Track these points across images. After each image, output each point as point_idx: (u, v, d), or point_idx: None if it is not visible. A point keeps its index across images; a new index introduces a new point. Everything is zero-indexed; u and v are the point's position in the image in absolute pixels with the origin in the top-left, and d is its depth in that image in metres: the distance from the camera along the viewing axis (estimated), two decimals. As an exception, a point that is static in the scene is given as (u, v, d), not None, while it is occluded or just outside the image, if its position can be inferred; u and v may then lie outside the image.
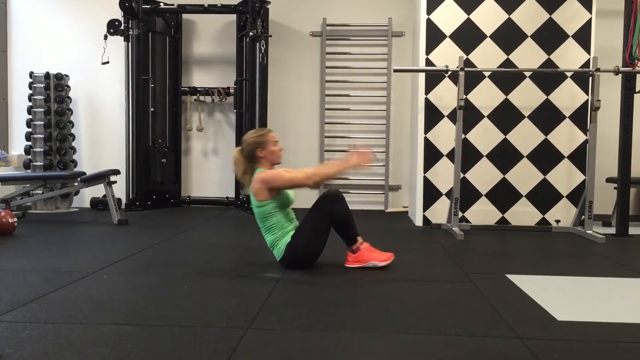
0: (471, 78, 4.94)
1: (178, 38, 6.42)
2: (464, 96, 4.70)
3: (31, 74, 5.93)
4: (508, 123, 5.02)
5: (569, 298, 2.74)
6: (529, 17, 4.99)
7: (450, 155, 4.99)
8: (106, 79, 6.27)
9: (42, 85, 5.89)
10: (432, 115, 5.07)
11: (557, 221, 4.97)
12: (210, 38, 6.53)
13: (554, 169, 5.02)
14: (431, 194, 5.11)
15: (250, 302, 2.52)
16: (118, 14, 5.93)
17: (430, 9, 5.05)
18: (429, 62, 5.05)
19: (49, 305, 2.44)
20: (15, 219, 4.38)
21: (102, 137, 6.39)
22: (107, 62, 5.86)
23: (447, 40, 5.04)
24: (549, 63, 4.97)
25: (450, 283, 2.99)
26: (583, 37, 4.96)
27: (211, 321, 2.25)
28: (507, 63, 4.99)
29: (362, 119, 6.42)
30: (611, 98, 5.11)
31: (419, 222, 5.15)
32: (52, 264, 3.32)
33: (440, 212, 5.07)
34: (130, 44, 5.97)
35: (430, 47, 5.06)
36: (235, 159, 3.29)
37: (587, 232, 4.54)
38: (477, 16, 5.02)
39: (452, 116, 4.95)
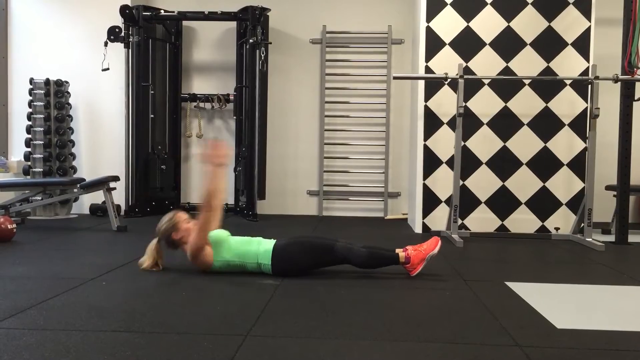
0: (470, 85, 4.95)
1: (178, 45, 6.43)
2: (464, 103, 4.70)
3: (31, 80, 5.94)
4: (507, 130, 5.02)
5: (569, 306, 2.73)
6: (528, 25, 5.01)
7: (450, 163, 4.99)
8: (106, 86, 6.27)
9: (42, 91, 5.90)
10: (432, 123, 5.08)
11: (557, 229, 4.97)
12: (210, 45, 6.55)
13: (553, 176, 5.02)
14: (430, 201, 5.11)
15: (249, 309, 2.51)
16: (118, 21, 5.94)
17: (430, 16, 5.06)
18: (428, 70, 5.06)
19: (47, 312, 2.43)
20: (14, 225, 4.37)
21: (102, 143, 6.39)
22: (107, 69, 5.87)
23: (447, 48, 5.05)
24: (548, 71, 4.99)
25: (449, 290, 2.98)
26: (582, 45, 4.97)
27: (210, 328, 2.25)
28: (507, 71, 5.00)
29: (362, 126, 6.43)
30: (610, 106, 5.12)
31: (418, 229, 5.14)
32: (51, 270, 3.31)
33: (439, 219, 5.06)
34: (130, 50, 5.98)
35: (429, 55, 5.07)
36: (151, 250, 3.29)
37: (587, 239, 4.53)
38: (476, 24, 5.04)
39: (452, 123, 4.96)
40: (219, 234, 3.23)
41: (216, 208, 3.10)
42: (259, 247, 3.19)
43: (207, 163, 3.09)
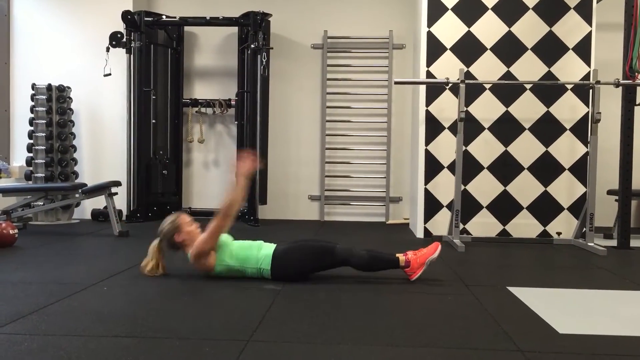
0: (472, 90, 4.96)
1: (180, 50, 6.45)
2: (465, 108, 4.71)
3: (33, 86, 5.95)
4: (509, 135, 5.02)
5: (571, 311, 2.73)
6: (530, 29, 5.01)
7: (451, 167, 4.99)
8: (108, 91, 6.29)
9: (44, 96, 5.91)
10: (433, 127, 5.08)
11: (559, 233, 4.96)
12: (211, 50, 6.57)
13: (554, 181, 5.02)
14: (432, 205, 5.11)
15: (251, 315, 2.51)
16: (120, 26, 5.97)
17: (431, 21, 5.08)
18: (429, 75, 5.06)
19: (49, 318, 2.43)
20: (16, 231, 4.37)
21: (104, 148, 6.40)
22: (109, 74, 5.88)
23: (448, 53, 5.06)
24: (549, 75, 4.99)
25: (451, 295, 2.98)
26: (583, 49, 4.98)
27: (211, 333, 2.25)
28: (508, 75, 5.01)
29: (363, 131, 6.43)
30: (611, 110, 5.12)
31: (419, 234, 5.14)
32: (53, 275, 3.31)
33: (441, 224, 5.06)
34: (132, 56, 6.00)
35: (431, 60, 5.08)
36: (153, 251, 3.29)
37: (589, 244, 4.53)
38: (477, 29, 5.05)
39: (453, 128, 4.96)
40: (222, 238, 3.23)
41: (232, 217, 3.14)
42: (260, 252, 3.20)
43: (237, 173, 3.12)
